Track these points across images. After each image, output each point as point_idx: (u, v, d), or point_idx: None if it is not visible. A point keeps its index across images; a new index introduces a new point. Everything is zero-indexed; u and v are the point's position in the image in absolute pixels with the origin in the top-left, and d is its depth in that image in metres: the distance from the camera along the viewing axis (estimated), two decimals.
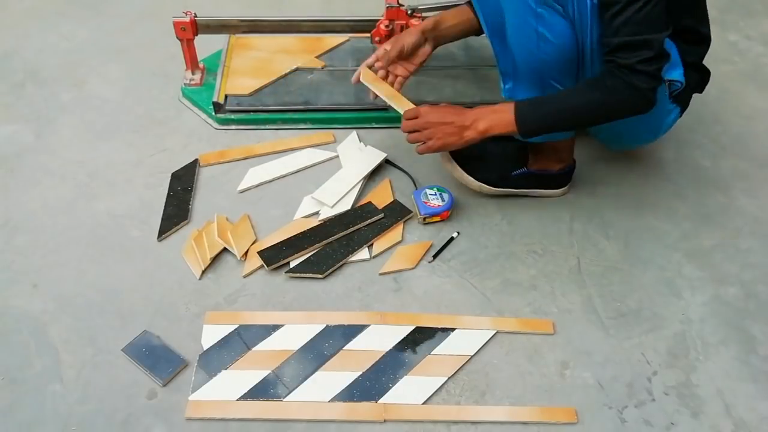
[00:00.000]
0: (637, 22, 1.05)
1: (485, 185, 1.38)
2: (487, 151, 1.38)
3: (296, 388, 1.08)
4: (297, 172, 1.48)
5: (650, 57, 1.07)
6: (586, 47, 1.13)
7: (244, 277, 1.25)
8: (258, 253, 1.27)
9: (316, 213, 1.38)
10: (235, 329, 1.16)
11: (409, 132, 1.27)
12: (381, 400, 1.07)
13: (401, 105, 1.33)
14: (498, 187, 1.39)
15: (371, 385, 1.09)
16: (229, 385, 1.08)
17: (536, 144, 1.34)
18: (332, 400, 1.07)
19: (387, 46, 1.35)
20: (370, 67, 1.37)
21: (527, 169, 1.38)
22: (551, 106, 1.17)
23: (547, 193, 1.42)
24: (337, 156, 1.52)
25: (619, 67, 1.09)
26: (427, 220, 1.37)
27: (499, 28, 1.21)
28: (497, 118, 1.19)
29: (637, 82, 1.09)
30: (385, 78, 1.38)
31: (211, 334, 1.15)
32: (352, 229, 1.33)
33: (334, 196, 1.39)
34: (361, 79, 1.38)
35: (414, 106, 1.31)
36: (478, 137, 1.22)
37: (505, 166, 1.39)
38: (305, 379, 1.09)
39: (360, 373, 1.10)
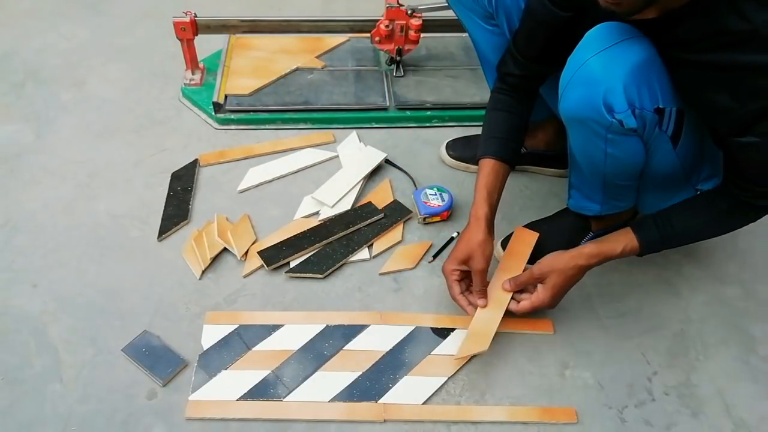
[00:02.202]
0: None
1: None
2: (540, 234, 1.27)
3: (296, 388, 1.08)
4: (297, 172, 1.48)
5: None
6: (655, 156, 1.07)
7: (244, 277, 1.25)
8: (258, 253, 1.27)
9: (316, 213, 1.38)
10: (235, 329, 1.16)
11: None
12: (381, 400, 1.07)
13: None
14: None
15: (371, 385, 1.09)
16: (229, 385, 1.08)
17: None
18: (332, 400, 1.07)
19: (458, 271, 1.14)
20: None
21: (593, 233, 1.29)
22: (671, 242, 1.08)
23: None
24: (337, 156, 1.52)
25: (739, 201, 1.00)
26: (427, 220, 1.37)
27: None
28: (619, 258, 1.09)
29: (759, 212, 1.03)
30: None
31: (211, 334, 1.15)
32: (352, 229, 1.33)
33: (334, 196, 1.39)
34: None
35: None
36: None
37: (571, 242, 1.26)
38: (305, 379, 1.09)
39: (360, 373, 1.10)
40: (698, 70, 0.90)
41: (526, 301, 1.11)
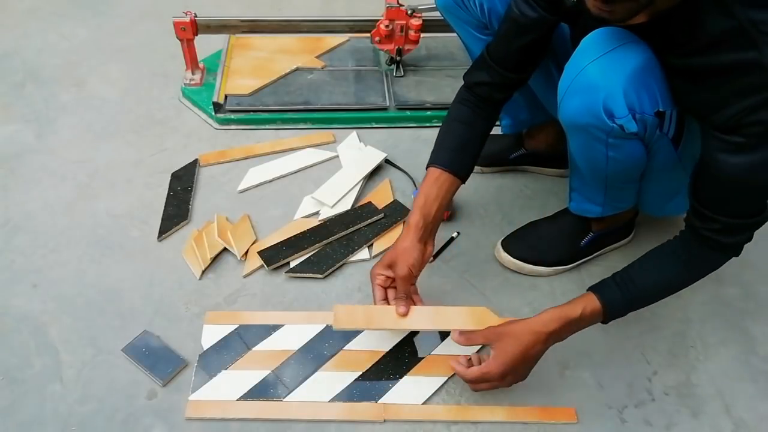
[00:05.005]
0: (755, 208, 0.92)
1: (559, 266, 1.29)
2: (540, 234, 1.29)
3: (296, 388, 1.08)
4: (297, 172, 1.48)
5: (745, 240, 0.96)
6: (657, 158, 1.06)
7: (244, 277, 1.25)
8: (258, 253, 1.27)
9: (316, 213, 1.38)
10: (235, 329, 1.16)
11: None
12: (381, 400, 1.07)
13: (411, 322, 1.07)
14: (573, 263, 1.30)
15: (371, 385, 1.09)
16: (229, 385, 1.08)
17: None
18: (332, 400, 1.07)
19: (383, 275, 1.09)
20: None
21: (593, 233, 1.28)
22: (636, 301, 1.01)
23: (621, 243, 1.34)
24: (337, 156, 1.52)
25: (702, 237, 0.95)
26: None
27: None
28: (584, 325, 1.00)
29: (725, 253, 0.98)
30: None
31: (211, 334, 1.15)
32: (352, 229, 1.33)
33: (334, 196, 1.39)
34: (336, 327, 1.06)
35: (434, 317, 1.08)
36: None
37: (572, 242, 1.28)
38: (305, 379, 1.09)
39: (360, 373, 1.10)
40: (690, 71, 0.89)
41: (475, 368, 0.98)
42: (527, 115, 1.40)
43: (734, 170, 0.87)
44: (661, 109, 0.96)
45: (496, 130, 1.52)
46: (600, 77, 0.93)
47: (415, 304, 1.09)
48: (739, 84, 0.82)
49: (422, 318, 1.07)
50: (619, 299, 0.98)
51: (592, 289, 1.00)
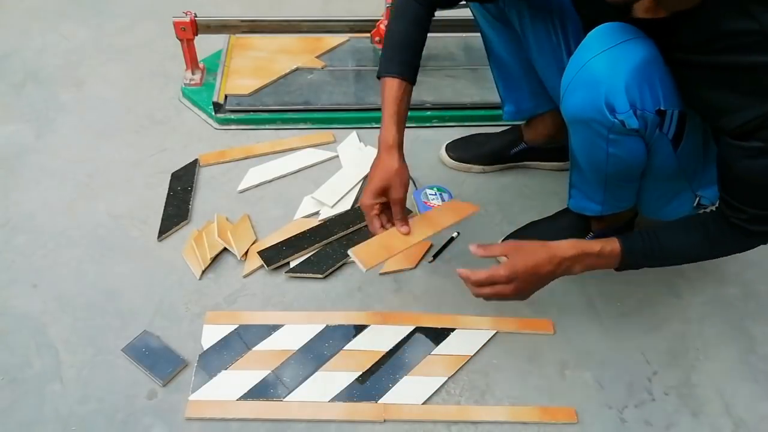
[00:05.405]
0: (765, 202, 0.93)
1: None
2: (541, 234, 1.27)
3: (296, 388, 1.08)
4: (297, 172, 1.48)
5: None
6: (656, 158, 1.06)
7: (244, 277, 1.25)
8: (258, 253, 1.27)
9: (316, 213, 1.38)
10: (235, 329, 1.16)
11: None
12: (381, 400, 1.07)
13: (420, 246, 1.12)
14: None
15: (371, 385, 1.09)
16: (229, 385, 1.08)
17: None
18: (332, 400, 1.07)
19: (377, 204, 1.10)
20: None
21: (593, 233, 1.29)
22: (654, 257, 1.02)
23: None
24: (337, 156, 1.52)
25: (731, 223, 0.96)
26: None
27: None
28: (599, 263, 1.02)
29: (752, 240, 1.00)
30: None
31: (211, 334, 1.15)
32: (352, 229, 1.33)
33: (334, 196, 1.39)
34: (356, 259, 1.08)
35: (430, 233, 1.11)
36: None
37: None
38: (305, 379, 1.09)
39: (360, 373, 1.10)
40: (705, 71, 0.89)
41: (483, 271, 0.99)
42: (530, 104, 1.40)
43: (759, 173, 0.88)
44: (662, 108, 0.96)
45: (498, 122, 1.53)
46: (603, 72, 0.93)
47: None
48: (755, 85, 0.83)
49: (422, 229, 1.11)
50: (639, 249, 1.00)
51: (617, 236, 1.02)
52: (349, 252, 1.08)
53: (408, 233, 1.09)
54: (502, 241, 1.30)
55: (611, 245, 1.00)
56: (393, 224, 1.11)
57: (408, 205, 1.38)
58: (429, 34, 1.75)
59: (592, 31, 0.96)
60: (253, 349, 1.13)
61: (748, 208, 0.93)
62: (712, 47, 0.86)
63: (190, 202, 1.39)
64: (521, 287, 0.99)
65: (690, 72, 0.92)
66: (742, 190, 0.94)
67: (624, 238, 1.01)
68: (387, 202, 1.09)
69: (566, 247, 1.00)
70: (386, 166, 1.07)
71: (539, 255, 0.98)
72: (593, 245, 1.00)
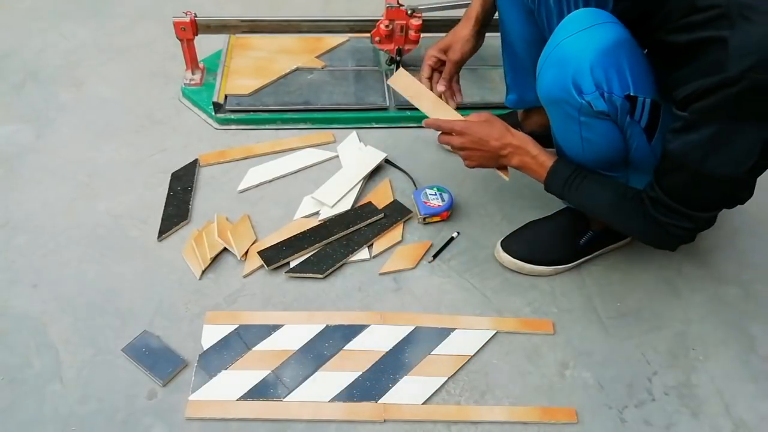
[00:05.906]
0: (688, 196, 0.97)
1: (559, 266, 1.28)
2: (539, 234, 1.29)
3: (296, 388, 1.08)
4: (297, 172, 1.48)
5: (688, 228, 1.01)
6: (632, 147, 1.07)
7: (244, 277, 1.25)
8: (258, 253, 1.27)
9: (316, 213, 1.38)
10: (235, 329, 1.16)
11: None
12: (381, 400, 1.07)
13: (445, 113, 1.22)
14: (573, 262, 1.29)
15: (371, 385, 1.09)
16: (229, 385, 1.08)
17: None
18: (332, 400, 1.07)
19: (435, 57, 1.27)
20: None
21: (593, 232, 1.27)
22: (581, 194, 1.10)
23: (621, 244, 1.33)
24: (337, 156, 1.52)
25: (655, 216, 1.01)
26: (427, 220, 1.37)
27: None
28: (531, 164, 1.13)
29: (671, 237, 1.03)
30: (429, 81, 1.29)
31: (211, 334, 1.15)
32: (352, 229, 1.33)
33: (334, 196, 1.39)
34: (391, 83, 1.25)
35: (459, 116, 1.20)
36: (508, 166, 1.18)
37: (571, 241, 1.27)
38: (305, 379, 1.09)
39: (360, 373, 1.10)
40: (679, 50, 0.91)
41: (450, 119, 1.18)
42: (534, 95, 1.40)
43: (676, 148, 0.91)
44: (632, 93, 0.97)
45: (502, 105, 1.53)
46: (572, 52, 0.96)
47: (453, 93, 1.29)
48: (706, 58, 0.85)
49: (446, 114, 1.20)
50: (564, 175, 1.09)
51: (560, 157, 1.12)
52: (398, 71, 1.22)
53: (442, 92, 1.25)
54: (502, 241, 1.30)
55: (547, 158, 1.11)
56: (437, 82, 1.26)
57: (408, 205, 1.39)
58: (429, 34, 1.76)
59: (571, 13, 0.99)
60: (253, 349, 1.13)
61: (657, 190, 0.98)
62: (682, 23, 0.88)
63: (190, 202, 1.39)
64: (466, 145, 1.15)
65: (662, 51, 0.94)
66: (660, 166, 0.98)
67: (558, 160, 1.11)
68: (444, 61, 1.24)
69: (518, 136, 1.13)
70: (457, 31, 1.23)
71: (494, 129, 1.14)
72: (536, 149, 1.12)
